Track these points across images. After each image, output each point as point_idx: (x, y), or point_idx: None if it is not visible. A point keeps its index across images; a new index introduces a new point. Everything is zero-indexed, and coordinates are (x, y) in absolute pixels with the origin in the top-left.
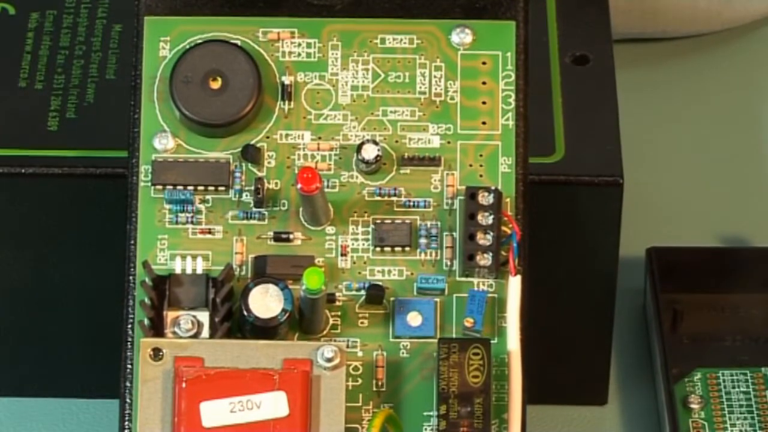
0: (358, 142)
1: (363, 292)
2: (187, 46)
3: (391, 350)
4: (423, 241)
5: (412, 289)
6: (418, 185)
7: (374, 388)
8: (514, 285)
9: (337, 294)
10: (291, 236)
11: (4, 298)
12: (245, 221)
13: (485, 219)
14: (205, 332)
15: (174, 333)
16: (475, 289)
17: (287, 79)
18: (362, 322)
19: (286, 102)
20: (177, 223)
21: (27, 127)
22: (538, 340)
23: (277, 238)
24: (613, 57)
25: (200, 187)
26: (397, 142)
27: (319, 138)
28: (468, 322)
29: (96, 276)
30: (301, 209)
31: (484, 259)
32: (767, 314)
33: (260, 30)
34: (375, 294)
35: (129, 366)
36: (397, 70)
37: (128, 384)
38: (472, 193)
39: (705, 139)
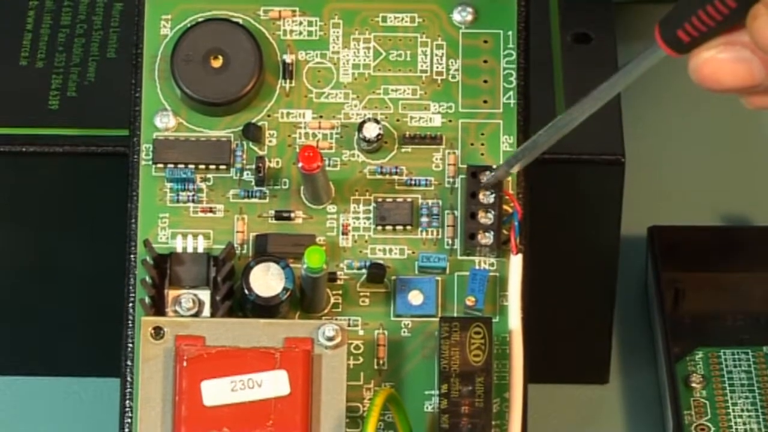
0: (359, 120)
1: (364, 271)
2: (189, 25)
3: (392, 329)
4: (424, 219)
5: (414, 268)
6: (420, 164)
7: (375, 367)
8: (516, 264)
9: (339, 273)
10: (292, 215)
11: (4, 276)
12: (246, 200)
13: (486, 198)
14: (206, 311)
15: (175, 312)
16: (477, 267)
17: (288, 58)
18: (363, 301)
19: (288, 80)
20: (178, 201)
21: (28, 106)
22: (540, 319)
23: (278, 216)
24: (615, 35)
25: (201, 166)
26: (398, 120)
27: (321, 116)
28: (469, 300)
29: (97, 254)
30: (302, 188)
31: (486, 238)
32: None
33: (261, 8)
34: (376, 273)
35: (130, 345)
36: (399, 49)
37: (129, 363)
38: (473, 172)
39: (707, 117)
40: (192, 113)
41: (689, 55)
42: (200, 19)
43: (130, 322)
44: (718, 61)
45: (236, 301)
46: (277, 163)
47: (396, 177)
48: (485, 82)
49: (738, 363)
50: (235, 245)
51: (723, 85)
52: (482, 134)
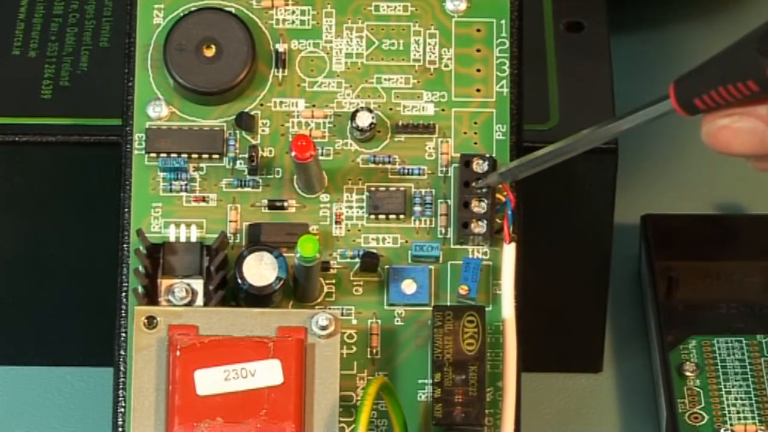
0: (352, 109)
1: (357, 260)
2: (181, 14)
3: (385, 318)
4: (417, 208)
5: (407, 257)
6: (413, 153)
7: (369, 356)
8: (509, 252)
9: (332, 262)
10: (285, 204)
11: None
12: (239, 189)
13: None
14: (200, 300)
15: (168, 301)
16: (470, 256)
17: (281, 47)
18: (357, 290)
19: (280, 69)
20: (171, 191)
21: (21, 95)
22: (533, 308)
23: (272, 205)
24: (607, 24)
25: (194, 155)
26: (391, 109)
27: (314, 105)
28: (462, 289)
29: (90, 244)
30: (295, 177)
31: (479, 227)
32: (762, 281)
33: None
34: (369, 262)
35: (123, 334)
36: (392, 38)
37: (122, 352)
38: (466, 161)
39: None
40: (185, 102)
41: (702, 117)
42: (193, 8)
43: (123, 311)
44: (733, 130)
45: (229, 290)
46: (270, 152)
47: (389, 166)
48: (478, 70)
49: (731, 351)
50: (228, 234)
51: (734, 152)
52: (475, 123)
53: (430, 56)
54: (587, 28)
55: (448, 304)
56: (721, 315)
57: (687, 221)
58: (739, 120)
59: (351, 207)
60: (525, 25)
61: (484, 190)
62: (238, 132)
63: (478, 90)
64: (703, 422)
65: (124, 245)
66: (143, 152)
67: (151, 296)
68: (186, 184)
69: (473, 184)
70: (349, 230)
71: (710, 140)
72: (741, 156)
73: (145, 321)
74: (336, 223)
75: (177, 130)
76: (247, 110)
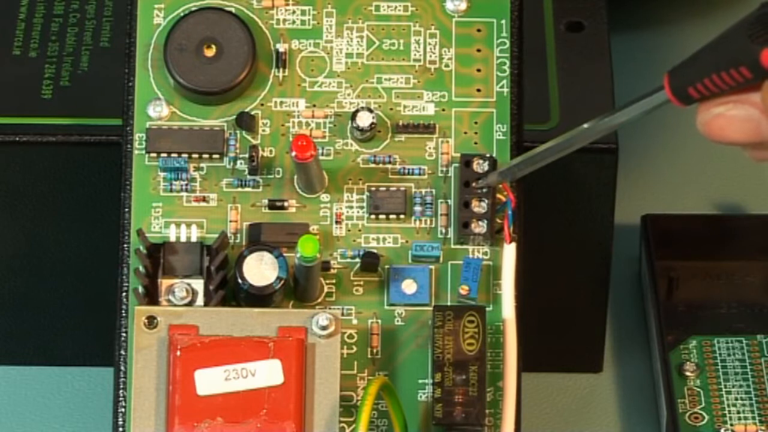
0: (352, 109)
1: (358, 260)
2: (182, 14)
3: (386, 318)
4: (418, 208)
5: (407, 257)
6: (413, 153)
7: (369, 356)
8: (509, 252)
9: (332, 262)
10: (286, 204)
11: None
12: (240, 189)
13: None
14: (200, 300)
15: (168, 301)
16: (470, 256)
17: (282, 47)
18: (357, 290)
19: (281, 69)
20: (171, 190)
21: (21, 95)
22: (534, 308)
23: (272, 205)
24: (608, 23)
25: (194, 155)
26: (391, 109)
27: (314, 105)
28: (463, 289)
29: (90, 244)
30: (295, 177)
31: (479, 227)
32: (762, 282)
33: None
34: (370, 261)
35: (123, 334)
36: (392, 38)
37: (123, 352)
38: (467, 161)
39: None
40: (185, 102)
41: (698, 106)
42: (193, 8)
43: (123, 311)
44: (728, 118)
45: (230, 290)
46: (271, 152)
47: (389, 166)
48: (478, 70)
49: (732, 351)
50: (229, 234)
51: (729, 140)
52: (475, 123)
53: (430, 56)
54: (587, 28)
55: (449, 304)
56: (721, 315)
57: (687, 221)
58: (733, 108)
59: (351, 207)
60: (525, 25)
61: (484, 189)
62: (238, 132)
63: (478, 90)
64: (704, 422)
65: (125, 245)
66: (144, 152)
67: (151, 296)
68: (186, 184)
69: (473, 183)
70: (349, 230)
71: (705, 129)
72: (736, 144)
73: (146, 321)
74: (336, 223)
75: (177, 130)
76: (247, 110)
